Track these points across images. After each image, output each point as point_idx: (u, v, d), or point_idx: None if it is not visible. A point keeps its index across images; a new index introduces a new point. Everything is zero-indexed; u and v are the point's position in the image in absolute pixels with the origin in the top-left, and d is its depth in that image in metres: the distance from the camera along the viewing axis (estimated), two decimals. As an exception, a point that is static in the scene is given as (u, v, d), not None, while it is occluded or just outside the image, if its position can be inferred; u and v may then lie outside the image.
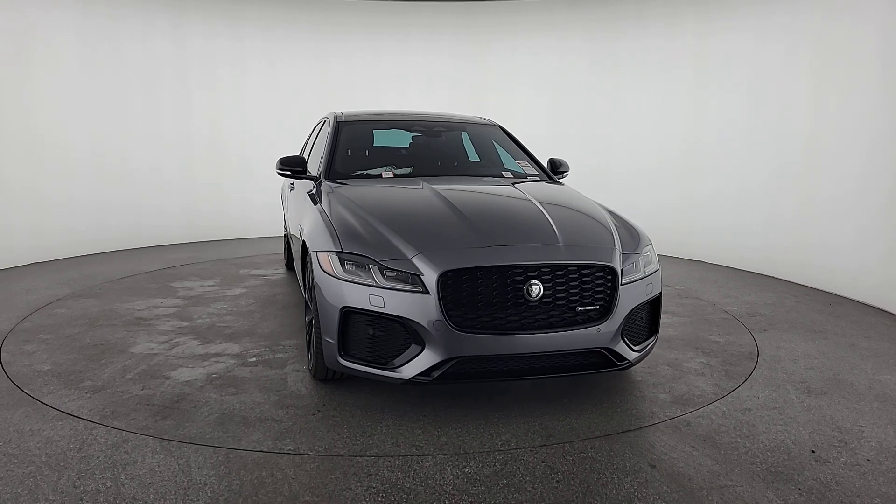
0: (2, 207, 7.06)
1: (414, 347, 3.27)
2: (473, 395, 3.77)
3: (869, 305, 6.00)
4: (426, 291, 3.23)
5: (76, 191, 7.86)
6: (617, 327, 3.45)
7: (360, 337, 3.39)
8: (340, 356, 3.44)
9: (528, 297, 3.29)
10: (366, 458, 3.03)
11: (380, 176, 4.71)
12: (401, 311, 3.24)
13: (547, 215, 3.78)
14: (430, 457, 3.06)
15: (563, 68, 9.11)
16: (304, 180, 5.00)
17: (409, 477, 2.88)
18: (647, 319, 3.79)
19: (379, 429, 3.36)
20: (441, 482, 2.84)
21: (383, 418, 3.47)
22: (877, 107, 5.97)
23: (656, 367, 4.29)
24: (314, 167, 5.01)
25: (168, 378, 4.03)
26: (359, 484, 2.81)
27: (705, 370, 4.26)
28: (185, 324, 5.19)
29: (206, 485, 2.78)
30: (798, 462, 3.08)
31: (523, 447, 3.17)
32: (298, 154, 6.08)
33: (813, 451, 3.19)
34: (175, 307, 5.68)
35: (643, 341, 3.75)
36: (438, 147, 5.40)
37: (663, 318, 5.25)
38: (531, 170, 5.04)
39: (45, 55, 7.41)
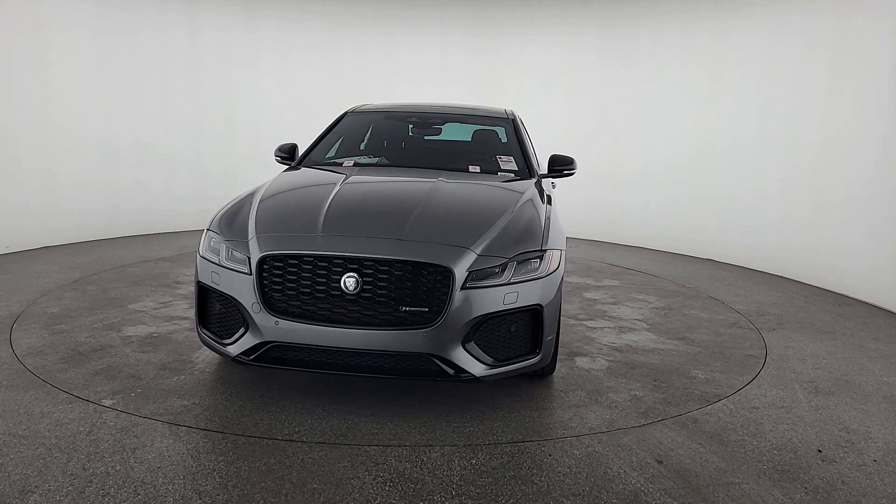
0: (14, 190, 7.10)
1: (242, 328, 3.33)
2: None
3: (878, 307, 5.97)
4: (251, 273, 3.28)
5: (88, 176, 7.87)
6: (452, 334, 3.15)
7: (212, 312, 3.52)
8: (199, 328, 3.59)
9: (344, 290, 3.17)
10: (375, 447, 3.05)
11: (341, 164, 4.74)
12: (230, 289, 3.34)
13: (418, 210, 3.55)
14: (437, 447, 3.07)
15: (577, 64, 9.06)
16: None
17: (416, 467, 2.89)
18: (520, 332, 3.34)
19: (224, 404, 3.45)
20: (448, 473, 2.85)
21: (233, 395, 3.56)
22: (890, 108, 5.93)
23: (571, 391, 3.77)
24: None
25: (119, 332, 4.32)
26: (366, 472, 2.83)
27: (625, 405, 3.61)
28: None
29: (214, 470, 2.80)
30: (805, 461, 3.09)
31: (528, 440, 3.18)
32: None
33: (820, 451, 3.19)
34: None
35: (511, 357, 3.32)
36: (427, 139, 5.39)
37: (671, 344, 4.77)
38: (510, 165, 4.74)
39: (59, 41, 7.41)
